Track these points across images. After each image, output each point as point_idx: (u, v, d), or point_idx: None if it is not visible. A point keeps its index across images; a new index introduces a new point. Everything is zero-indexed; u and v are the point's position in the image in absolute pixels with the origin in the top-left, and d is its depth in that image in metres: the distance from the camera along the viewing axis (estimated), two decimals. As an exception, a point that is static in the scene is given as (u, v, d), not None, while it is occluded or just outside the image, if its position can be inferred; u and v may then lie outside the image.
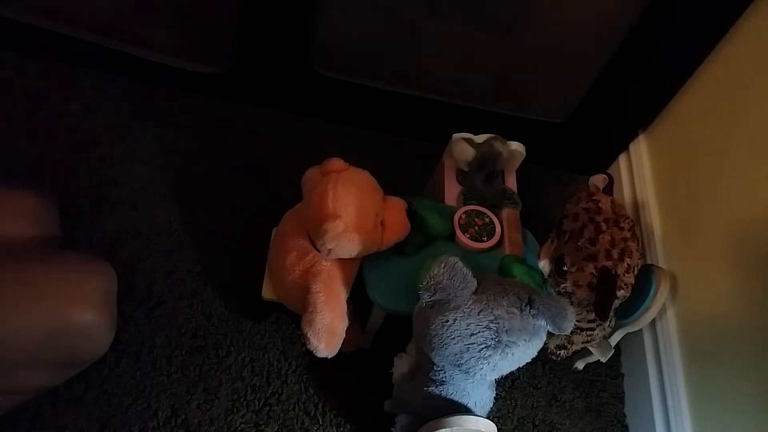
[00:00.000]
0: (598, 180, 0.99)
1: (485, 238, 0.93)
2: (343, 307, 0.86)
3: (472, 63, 1.10)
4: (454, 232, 0.92)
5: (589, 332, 0.96)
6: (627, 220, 0.93)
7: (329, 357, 0.86)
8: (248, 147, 1.18)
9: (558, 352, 0.98)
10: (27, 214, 0.83)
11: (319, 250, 0.83)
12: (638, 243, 0.93)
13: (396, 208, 0.88)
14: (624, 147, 1.24)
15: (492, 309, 0.74)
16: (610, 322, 0.96)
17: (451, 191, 1.00)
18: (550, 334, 0.78)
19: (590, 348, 1.00)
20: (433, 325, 0.75)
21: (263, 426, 0.93)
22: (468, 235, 0.92)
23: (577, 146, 1.25)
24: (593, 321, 0.94)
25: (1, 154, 1.06)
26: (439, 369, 0.81)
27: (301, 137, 1.21)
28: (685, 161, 1.08)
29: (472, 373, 0.77)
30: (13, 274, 0.73)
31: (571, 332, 0.91)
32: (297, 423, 0.94)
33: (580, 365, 1.06)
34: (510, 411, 1.02)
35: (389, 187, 0.89)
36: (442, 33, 1.05)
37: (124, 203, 1.06)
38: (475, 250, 0.92)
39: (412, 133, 1.24)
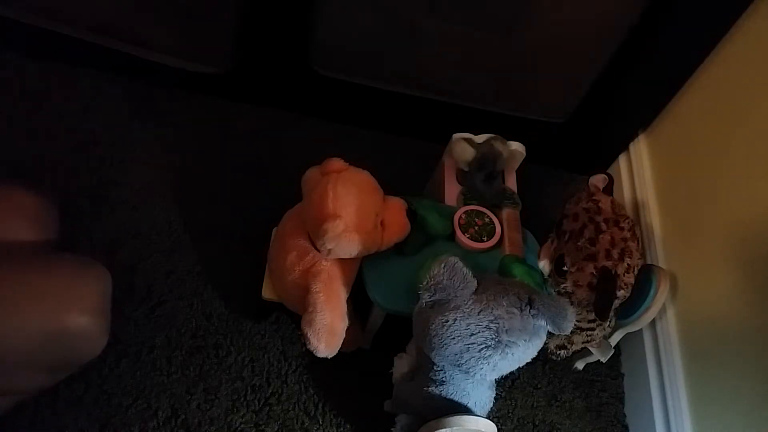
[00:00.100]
0: (598, 180, 0.99)
1: (485, 238, 0.93)
2: (343, 307, 0.86)
3: (472, 63, 1.10)
4: (454, 232, 0.92)
5: (589, 332, 0.96)
6: (627, 220, 0.93)
7: (329, 357, 0.86)
8: (248, 147, 1.18)
9: (558, 352, 0.98)
10: (27, 214, 0.83)
11: (319, 250, 0.83)
12: (638, 243, 0.93)
13: (396, 208, 0.88)
14: (624, 147, 1.24)
15: (492, 309, 0.74)
16: (610, 322, 0.96)
17: (451, 191, 1.00)
18: (550, 334, 0.78)
19: (590, 348, 1.00)
20: (433, 325, 0.75)
21: (263, 426, 0.93)
22: (468, 235, 0.92)
23: (577, 146, 1.25)
24: (593, 321, 0.94)
25: (1, 154, 1.06)
26: (439, 369, 0.81)
27: (301, 137, 1.21)
28: (685, 161, 1.08)
29: (472, 373, 0.77)
30: (11, 277, 0.73)
31: (571, 332, 0.91)
32: (297, 423, 0.94)
33: (580, 365, 1.06)
34: (510, 411, 1.02)
35: (389, 187, 0.89)
36: (442, 33, 1.05)
37: (124, 203, 1.06)
38: (475, 250, 0.92)
39: (412, 133, 1.24)
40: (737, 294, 0.88)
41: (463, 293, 0.75)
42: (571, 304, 0.81)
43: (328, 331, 0.84)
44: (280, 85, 1.20)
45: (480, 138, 1.00)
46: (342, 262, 0.86)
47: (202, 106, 1.20)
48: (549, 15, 1.01)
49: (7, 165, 1.05)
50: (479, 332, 0.74)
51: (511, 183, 1.03)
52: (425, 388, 0.82)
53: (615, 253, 0.89)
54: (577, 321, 0.92)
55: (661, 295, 0.95)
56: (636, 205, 1.16)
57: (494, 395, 0.86)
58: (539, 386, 1.05)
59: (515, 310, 0.75)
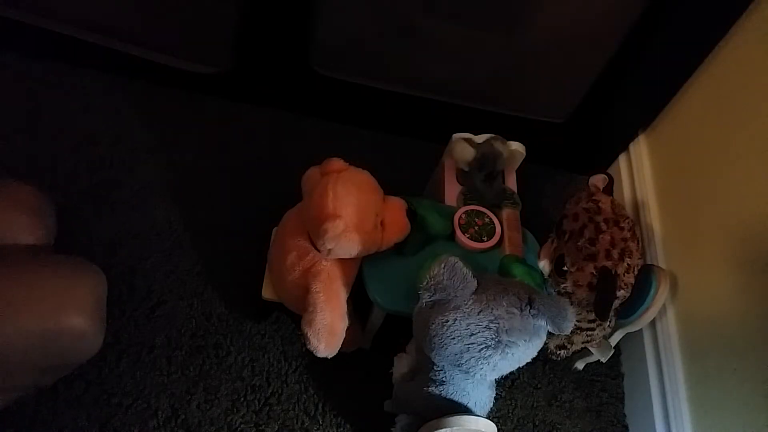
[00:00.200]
0: (598, 180, 0.99)
1: (485, 238, 0.93)
2: (343, 307, 0.86)
3: (471, 63, 1.10)
4: (454, 232, 0.92)
5: (589, 332, 0.96)
6: (627, 220, 0.93)
7: (329, 357, 0.86)
8: (248, 147, 1.18)
9: (558, 352, 0.98)
10: (26, 207, 0.83)
11: (319, 250, 0.83)
12: (638, 243, 0.93)
13: (396, 208, 0.88)
14: (624, 147, 1.24)
15: (492, 309, 0.74)
16: (610, 322, 0.96)
17: (451, 191, 1.00)
18: (550, 334, 0.78)
19: (590, 348, 1.00)
20: (433, 325, 0.75)
21: (263, 426, 0.93)
22: (468, 235, 0.92)
23: (577, 146, 1.25)
24: (593, 321, 0.94)
25: (1, 154, 1.06)
26: (439, 369, 0.81)
27: (301, 137, 1.21)
28: (685, 161, 1.08)
29: (472, 373, 0.77)
30: (8, 278, 0.74)
31: (571, 332, 0.91)
32: (297, 423, 0.94)
33: (580, 365, 1.06)
34: (510, 411, 1.02)
35: (389, 187, 0.89)
36: (442, 33, 1.05)
37: (124, 203, 1.06)
38: (475, 250, 0.92)
39: (412, 133, 1.24)
40: (737, 294, 0.88)
41: (463, 293, 0.75)
42: (571, 304, 0.81)
43: (328, 331, 0.84)
44: (280, 85, 1.20)
45: (480, 138, 1.00)
46: (342, 262, 0.86)
47: (202, 106, 1.20)
48: (549, 15, 1.01)
49: (7, 165, 1.05)
50: (479, 332, 0.74)
51: (511, 183, 1.03)
52: (425, 388, 0.82)
53: (615, 253, 0.89)
54: (577, 321, 0.92)
55: (661, 295, 0.95)
56: (636, 205, 1.16)
57: (494, 395, 0.86)
58: (539, 386, 1.05)
59: (515, 310, 0.75)
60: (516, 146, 1.01)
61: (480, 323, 0.74)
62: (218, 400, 0.93)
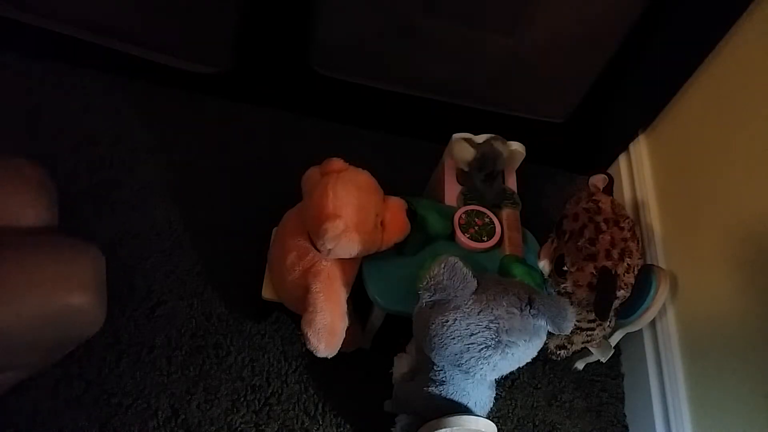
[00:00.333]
0: (598, 180, 0.99)
1: (485, 238, 0.93)
2: (343, 307, 0.86)
3: (472, 63, 1.10)
4: (454, 232, 0.92)
5: (589, 332, 0.96)
6: (627, 220, 0.93)
7: (329, 357, 0.86)
8: (248, 147, 1.18)
9: (558, 352, 0.98)
10: (30, 182, 0.83)
11: (319, 250, 0.83)
12: (638, 243, 0.93)
13: (396, 208, 0.88)
14: (624, 147, 1.24)
15: (492, 309, 0.74)
16: (610, 322, 0.96)
17: (451, 191, 1.00)
18: (550, 334, 0.78)
19: (590, 348, 1.00)
20: (433, 325, 0.75)
21: (263, 426, 0.93)
22: (468, 235, 0.92)
23: (577, 146, 1.25)
24: (593, 321, 0.94)
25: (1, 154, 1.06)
26: (439, 369, 0.81)
27: (301, 137, 1.21)
28: (685, 161, 1.08)
29: (472, 373, 0.77)
30: (10, 256, 0.74)
31: (571, 332, 0.91)
32: (297, 423, 0.94)
33: (580, 365, 1.06)
34: (510, 411, 1.02)
35: (389, 187, 0.89)
36: (442, 33, 1.05)
37: (124, 203, 1.06)
38: (475, 250, 0.92)
39: (412, 133, 1.24)
40: (737, 294, 0.88)
41: (463, 293, 0.75)
42: (571, 304, 0.81)
43: (328, 331, 0.84)
44: (280, 85, 1.20)
45: (480, 138, 1.00)
46: (342, 262, 0.86)
47: (202, 106, 1.20)
48: (549, 15, 1.01)
49: (7, 165, 1.05)
50: (479, 332, 0.74)
51: (511, 183, 1.03)
52: (425, 388, 0.82)
53: (615, 253, 0.89)
54: (577, 321, 0.92)
55: (661, 295, 0.95)
56: (636, 205, 1.16)
57: (494, 395, 0.86)
58: (539, 386, 1.05)
59: (515, 310, 0.75)
60: (516, 146, 1.01)
61: (480, 323, 0.74)
62: (218, 400, 0.93)
